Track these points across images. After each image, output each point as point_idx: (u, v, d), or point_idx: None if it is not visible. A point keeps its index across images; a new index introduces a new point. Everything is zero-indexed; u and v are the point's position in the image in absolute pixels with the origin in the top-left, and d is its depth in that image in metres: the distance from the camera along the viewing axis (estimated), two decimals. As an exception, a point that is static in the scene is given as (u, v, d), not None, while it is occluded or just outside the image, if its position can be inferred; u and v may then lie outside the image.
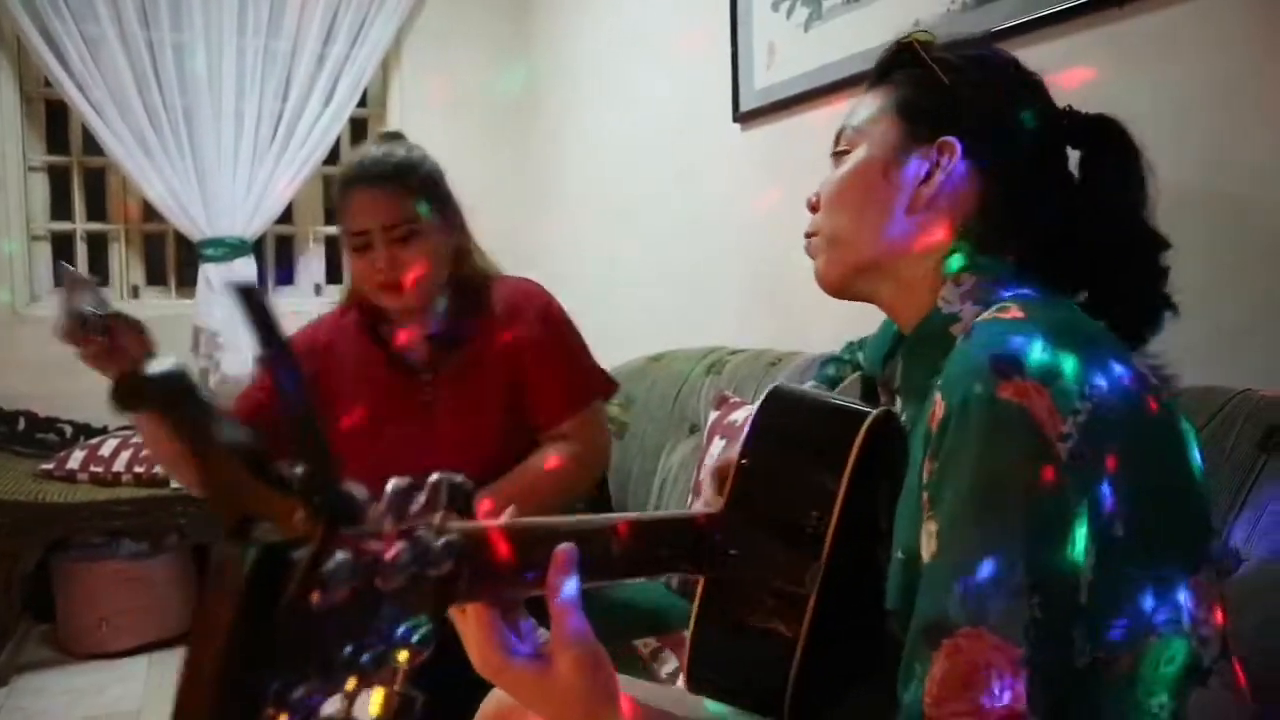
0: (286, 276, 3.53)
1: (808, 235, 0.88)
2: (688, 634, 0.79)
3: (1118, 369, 0.66)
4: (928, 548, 0.64)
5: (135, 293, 3.32)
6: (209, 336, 3.07)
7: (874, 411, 0.80)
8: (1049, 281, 0.76)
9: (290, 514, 0.43)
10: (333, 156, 3.37)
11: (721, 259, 2.38)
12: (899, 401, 0.85)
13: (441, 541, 0.50)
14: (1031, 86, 0.81)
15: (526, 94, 3.46)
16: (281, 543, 0.43)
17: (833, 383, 1.02)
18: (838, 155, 0.85)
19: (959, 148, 0.77)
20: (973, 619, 0.59)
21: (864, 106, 0.85)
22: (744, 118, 2.26)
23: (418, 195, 1.46)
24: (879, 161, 0.80)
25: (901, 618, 0.69)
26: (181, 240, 3.22)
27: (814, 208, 0.86)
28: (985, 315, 0.69)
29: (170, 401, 0.40)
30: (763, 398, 0.84)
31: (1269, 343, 1.19)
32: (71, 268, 1.36)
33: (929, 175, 0.78)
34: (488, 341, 1.51)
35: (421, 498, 0.52)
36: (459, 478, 0.53)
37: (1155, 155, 0.82)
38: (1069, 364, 0.63)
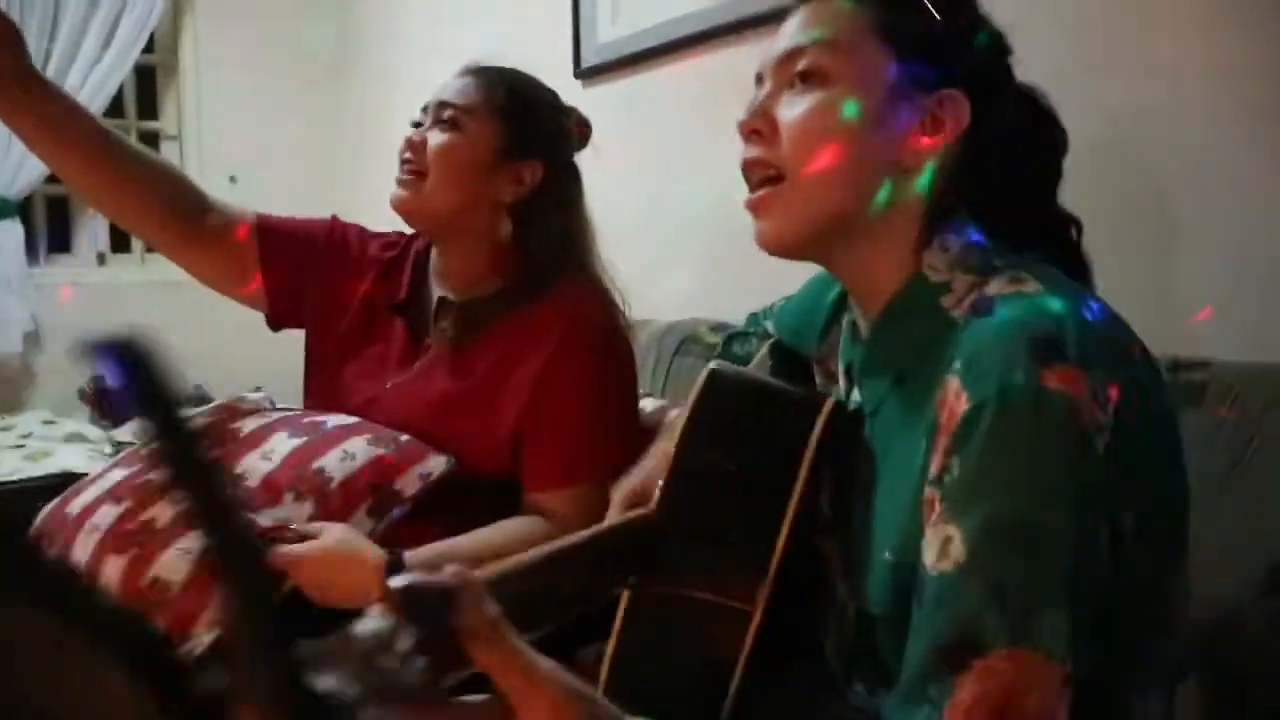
0: (62, 243, 3.11)
1: (755, 169, 0.72)
2: (607, 650, 0.72)
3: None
4: (944, 554, 0.57)
5: None
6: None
7: (830, 400, 0.73)
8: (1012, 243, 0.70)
9: None
10: (115, 108, 2.98)
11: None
12: (843, 381, 0.78)
13: (416, 668, 0.47)
14: (999, 32, 0.73)
15: (344, 45, 3.21)
16: None
17: (742, 363, 0.93)
18: (804, 76, 0.70)
19: (968, 107, 0.69)
20: (1013, 638, 0.54)
21: (822, 18, 0.71)
22: (586, 74, 2.13)
23: (494, 100, 1.27)
24: (871, 102, 0.68)
25: (889, 622, 0.64)
26: (-73, 202, 2.76)
27: (758, 132, 0.71)
28: (1001, 288, 0.63)
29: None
30: (701, 381, 0.75)
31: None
32: None
33: (924, 128, 0.69)
34: (511, 345, 1.21)
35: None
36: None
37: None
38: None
